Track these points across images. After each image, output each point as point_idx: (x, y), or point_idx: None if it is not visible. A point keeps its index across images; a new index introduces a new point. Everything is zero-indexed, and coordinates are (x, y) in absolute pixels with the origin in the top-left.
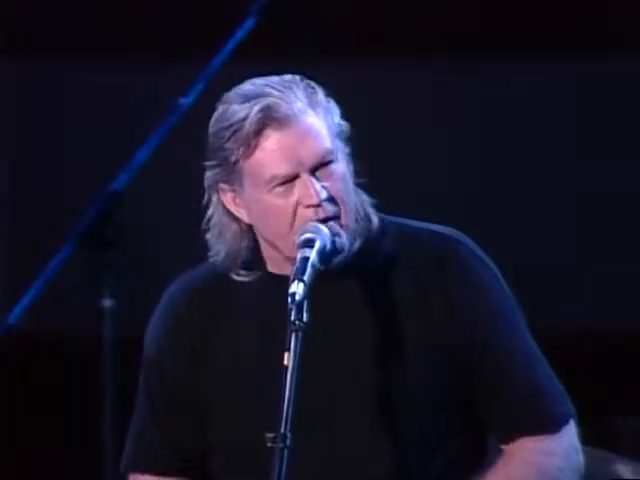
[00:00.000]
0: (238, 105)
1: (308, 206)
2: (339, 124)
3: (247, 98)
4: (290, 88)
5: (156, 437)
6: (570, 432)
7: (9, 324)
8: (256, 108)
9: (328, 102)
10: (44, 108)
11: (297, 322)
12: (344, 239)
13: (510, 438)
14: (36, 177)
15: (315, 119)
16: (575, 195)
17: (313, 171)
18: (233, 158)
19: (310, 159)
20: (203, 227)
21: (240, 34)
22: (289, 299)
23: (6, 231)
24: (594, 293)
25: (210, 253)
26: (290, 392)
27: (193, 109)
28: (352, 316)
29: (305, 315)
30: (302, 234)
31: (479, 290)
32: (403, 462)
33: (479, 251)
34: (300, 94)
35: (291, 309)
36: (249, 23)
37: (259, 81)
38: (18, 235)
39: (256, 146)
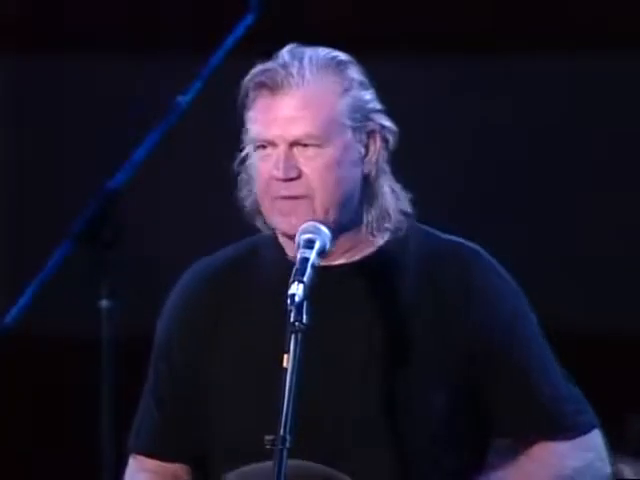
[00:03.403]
0: (266, 62)
1: (275, 178)
2: (364, 119)
3: (272, 59)
4: (312, 63)
5: (157, 420)
6: (592, 441)
7: (6, 324)
8: (259, 69)
9: (361, 93)
10: (44, 108)
11: (297, 323)
12: (292, 222)
13: (529, 441)
14: (36, 177)
15: (316, 99)
16: (576, 196)
17: (292, 145)
18: (242, 109)
19: (287, 134)
20: (236, 168)
21: (238, 31)
22: (288, 300)
23: (6, 231)
24: (596, 293)
25: (240, 196)
26: (289, 394)
27: (192, 107)
28: (358, 317)
29: (305, 316)
30: (302, 234)
31: (499, 299)
32: (405, 469)
33: (501, 268)
34: (318, 72)
35: (290, 310)
36: (247, 20)
37: (297, 48)
38: (18, 235)
39: (251, 103)
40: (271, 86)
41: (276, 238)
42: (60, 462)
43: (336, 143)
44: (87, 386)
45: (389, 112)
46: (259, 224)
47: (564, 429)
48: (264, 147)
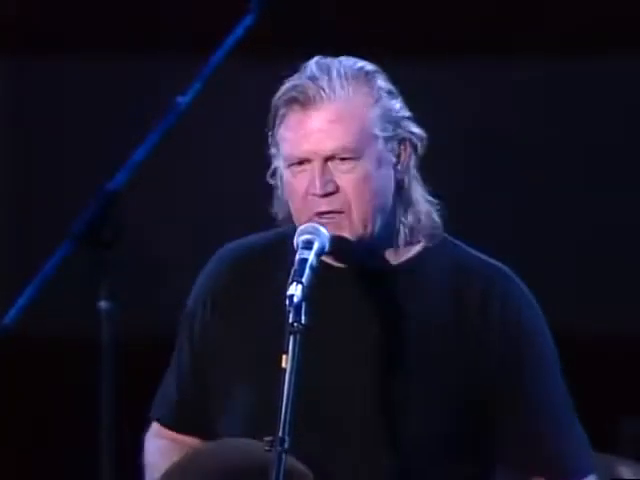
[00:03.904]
0: (294, 76)
1: (312, 194)
2: (395, 127)
3: (299, 73)
4: (341, 75)
5: (175, 392)
6: None
7: (5, 324)
8: (289, 85)
9: (390, 101)
10: (44, 108)
11: (295, 324)
12: (345, 235)
13: (527, 477)
14: (36, 177)
15: (349, 112)
16: (577, 198)
17: (328, 161)
18: (273, 127)
19: (323, 149)
20: (268, 179)
21: (238, 32)
22: (287, 301)
23: (6, 231)
24: (592, 294)
25: (273, 206)
26: (288, 395)
27: (191, 107)
28: (364, 318)
29: (304, 317)
30: (300, 235)
31: (521, 325)
32: (403, 470)
33: (528, 292)
34: (348, 84)
35: (289, 311)
36: (247, 21)
37: (323, 60)
38: (18, 235)
39: (282, 120)
40: (302, 101)
41: None
42: (60, 462)
43: (370, 154)
44: (86, 387)
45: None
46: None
47: (565, 473)
48: (298, 164)
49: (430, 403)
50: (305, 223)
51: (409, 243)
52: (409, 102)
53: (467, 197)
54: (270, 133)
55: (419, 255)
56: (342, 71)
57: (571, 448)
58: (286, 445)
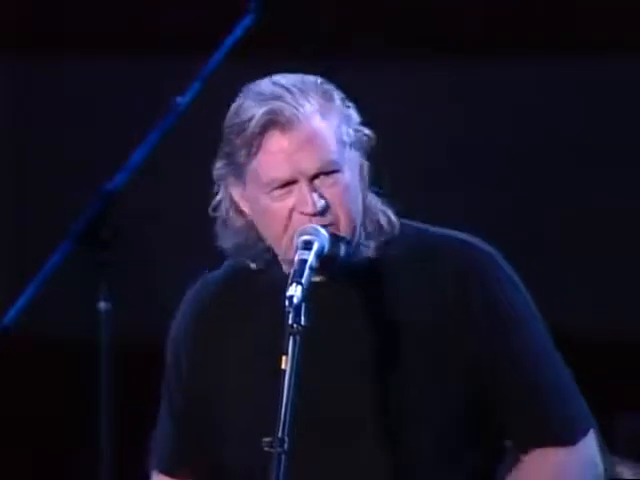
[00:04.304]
0: (250, 102)
1: (303, 213)
2: (355, 132)
3: (260, 97)
4: (303, 91)
5: (171, 438)
6: (588, 444)
7: (5, 325)
8: (262, 110)
9: (346, 108)
10: (44, 108)
11: (295, 325)
12: (343, 247)
13: (527, 449)
14: (36, 177)
15: (323, 126)
16: (577, 197)
17: (313, 178)
18: (239, 155)
19: (310, 167)
20: (210, 214)
21: (237, 32)
22: (286, 302)
23: (6, 231)
24: (588, 292)
25: (218, 242)
26: (288, 396)
27: (191, 107)
28: (357, 321)
29: (303, 318)
30: (300, 235)
31: (499, 300)
32: (406, 471)
33: (501, 260)
34: (313, 99)
35: (289, 312)
36: (246, 21)
37: (277, 79)
38: (18, 236)
39: (258, 147)
40: (283, 123)
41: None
42: (60, 462)
43: (346, 164)
44: (85, 387)
45: (392, 112)
46: (243, 263)
47: (564, 436)
48: (281, 187)
49: (428, 400)
50: (287, 247)
51: (376, 247)
52: (410, 102)
53: (466, 197)
54: (223, 164)
55: (388, 256)
56: (301, 87)
57: (569, 409)
58: (286, 446)
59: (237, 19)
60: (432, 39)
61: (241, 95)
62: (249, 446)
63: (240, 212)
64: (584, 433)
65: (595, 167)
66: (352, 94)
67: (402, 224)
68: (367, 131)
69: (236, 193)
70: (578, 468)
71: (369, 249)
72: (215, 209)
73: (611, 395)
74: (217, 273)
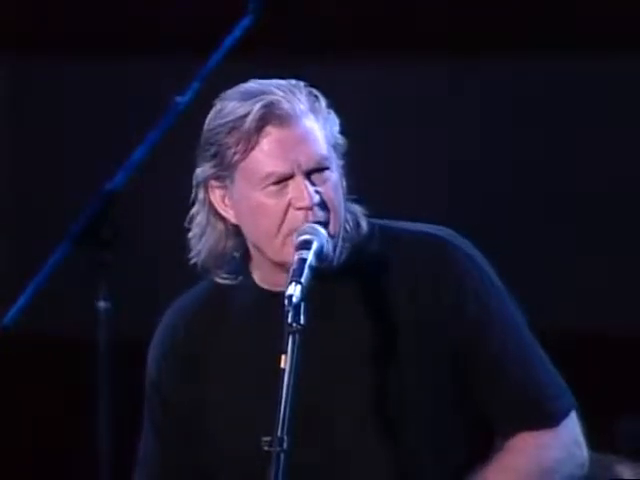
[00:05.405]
0: (239, 102)
1: (299, 208)
2: (336, 136)
3: (249, 95)
4: (293, 91)
5: (156, 457)
6: (570, 425)
7: (4, 324)
8: (258, 105)
9: (329, 113)
10: (44, 108)
11: (294, 324)
12: (330, 246)
13: (510, 433)
14: (36, 177)
15: (315, 124)
16: (576, 195)
17: (308, 174)
18: (229, 153)
19: (307, 161)
20: (186, 225)
21: (237, 32)
22: (286, 301)
23: (6, 231)
24: (588, 291)
25: (191, 254)
26: (287, 395)
27: (191, 107)
28: (343, 319)
29: (302, 317)
30: (299, 235)
31: (469, 290)
32: (406, 466)
33: (471, 249)
34: (303, 98)
35: (288, 311)
36: (246, 21)
37: (260, 81)
38: (17, 236)
39: (256, 143)
40: (281, 117)
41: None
42: (59, 461)
43: (334, 166)
44: (85, 387)
45: (389, 112)
46: (216, 276)
47: (544, 418)
48: (276, 183)
49: (413, 390)
50: (279, 247)
51: (352, 247)
52: (408, 100)
53: (465, 198)
54: (208, 167)
55: (364, 256)
56: (289, 87)
57: (547, 391)
58: (285, 445)
59: (236, 19)
60: (432, 39)
61: (221, 99)
62: (233, 459)
63: (221, 219)
64: (566, 414)
65: (595, 166)
66: (352, 94)
67: (375, 223)
68: (341, 137)
69: (218, 197)
70: (562, 449)
71: (345, 250)
72: (190, 221)
73: (611, 396)
74: (192, 292)
